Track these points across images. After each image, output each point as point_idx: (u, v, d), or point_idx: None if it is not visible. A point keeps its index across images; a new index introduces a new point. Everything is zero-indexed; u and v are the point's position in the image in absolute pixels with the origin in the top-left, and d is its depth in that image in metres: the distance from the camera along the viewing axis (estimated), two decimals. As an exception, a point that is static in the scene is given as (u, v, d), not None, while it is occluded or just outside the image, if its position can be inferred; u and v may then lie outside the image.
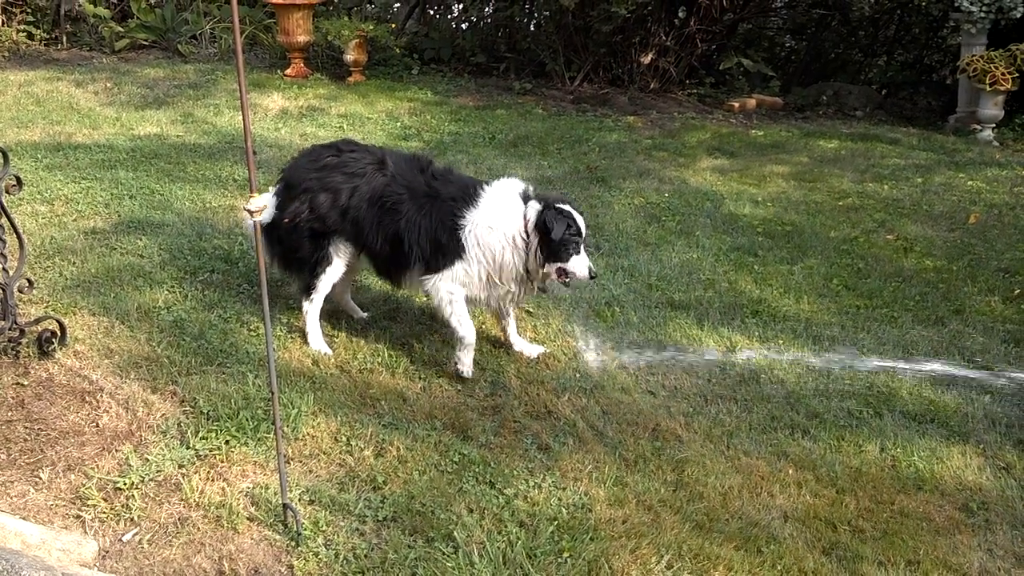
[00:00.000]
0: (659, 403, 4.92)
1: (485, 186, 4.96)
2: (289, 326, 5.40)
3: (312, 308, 5.22)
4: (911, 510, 4.17)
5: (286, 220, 5.06)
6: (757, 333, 5.79)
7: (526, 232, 4.82)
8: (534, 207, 4.83)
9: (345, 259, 5.18)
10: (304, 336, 5.25)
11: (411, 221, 4.90)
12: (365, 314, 5.67)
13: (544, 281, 5.02)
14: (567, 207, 4.83)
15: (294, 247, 5.17)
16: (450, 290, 4.92)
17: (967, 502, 4.27)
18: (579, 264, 4.83)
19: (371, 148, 5.29)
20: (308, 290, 5.21)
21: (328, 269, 5.15)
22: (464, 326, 4.94)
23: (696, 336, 5.70)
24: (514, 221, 4.84)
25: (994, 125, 11.74)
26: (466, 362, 4.97)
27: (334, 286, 5.28)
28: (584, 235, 4.88)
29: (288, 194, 5.11)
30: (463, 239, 4.83)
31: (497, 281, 4.91)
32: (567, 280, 4.91)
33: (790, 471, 4.38)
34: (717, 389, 5.11)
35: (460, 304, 4.94)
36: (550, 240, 4.73)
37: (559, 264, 4.82)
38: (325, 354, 5.13)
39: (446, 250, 4.86)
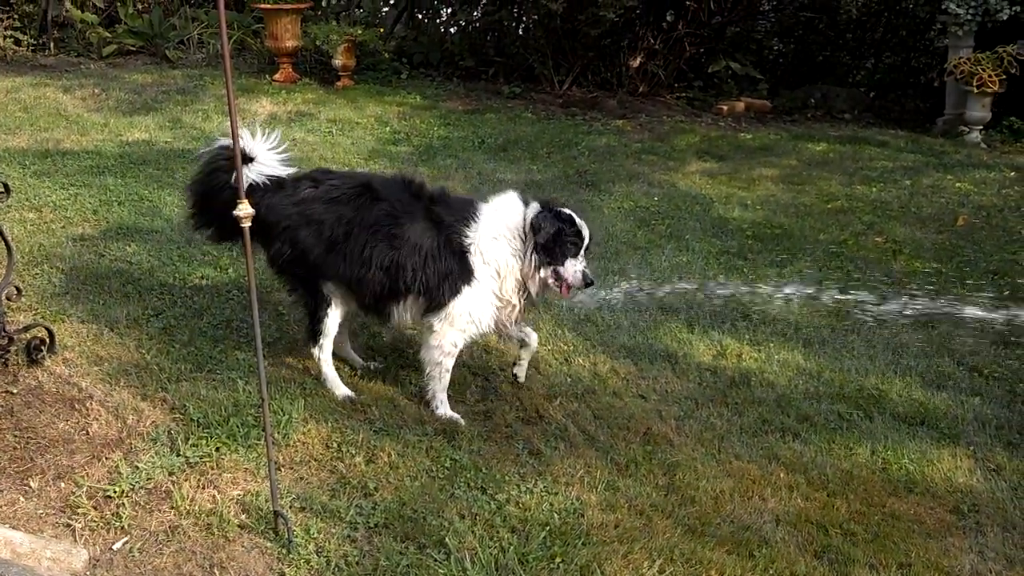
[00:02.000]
0: (650, 407, 4.92)
1: (484, 203, 4.78)
2: (279, 332, 5.39)
3: (323, 354, 4.88)
4: (902, 512, 4.18)
5: (272, 268, 4.89)
6: (747, 336, 5.80)
7: (523, 233, 4.67)
8: (534, 208, 4.71)
9: (342, 298, 4.82)
10: (319, 381, 4.90)
11: (413, 248, 4.59)
12: (372, 363, 5.25)
13: (540, 288, 4.75)
14: (567, 211, 4.72)
15: (289, 289, 4.97)
16: (454, 341, 4.69)
17: (958, 504, 4.28)
18: (572, 268, 4.64)
19: (351, 173, 5.13)
20: (314, 336, 4.87)
21: (329, 311, 4.80)
22: (444, 380, 4.76)
23: (686, 339, 5.71)
24: (515, 225, 4.69)
25: (982, 127, 11.76)
26: (442, 405, 4.79)
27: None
28: (586, 241, 4.70)
29: (266, 235, 4.74)
30: (470, 260, 4.63)
31: (500, 295, 4.72)
32: (560, 285, 4.67)
33: (781, 474, 4.38)
34: (708, 393, 5.11)
35: (453, 359, 4.76)
36: (549, 242, 4.60)
37: (554, 267, 4.64)
38: (351, 398, 4.80)
39: (454, 276, 4.61)
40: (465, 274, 4.62)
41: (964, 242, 7.78)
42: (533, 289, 4.73)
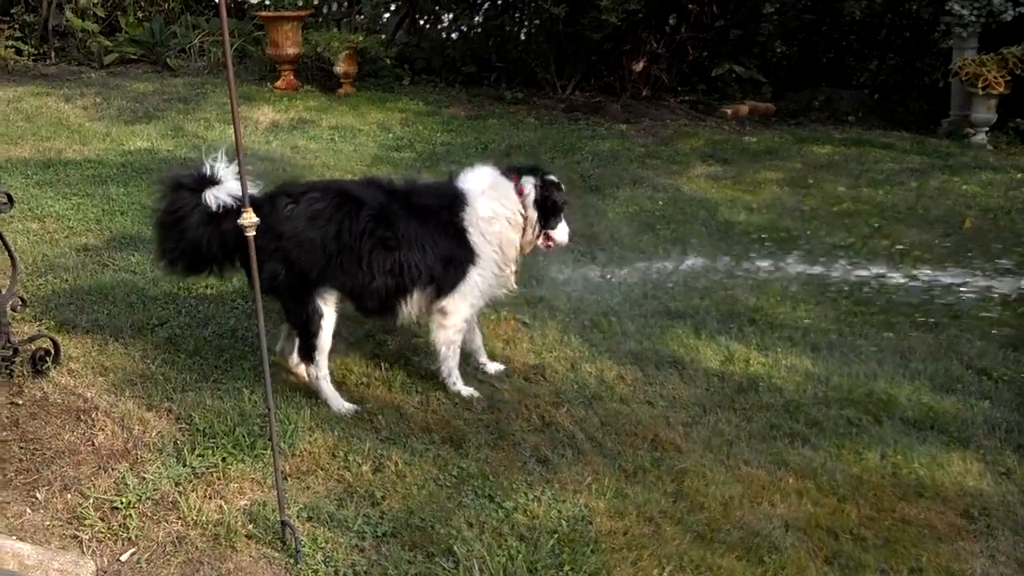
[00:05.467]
0: (658, 413, 4.90)
1: (462, 182, 4.90)
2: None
3: (320, 371, 4.79)
4: (912, 517, 4.15)
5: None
6: (755, 341, 5.78)
7: (524, 208, 4.90)
8: (529, 182, 4.91)
9: (335, 307, 4.78)
10: (320, 401, 4.81)
11: (412, 244, 4.67)
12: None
13: (530, 249, 5.09)
14: (551, 176, 5.02)
15: (283, 307, 4.91)
16: (465, 316, 4.88)
17: (968, 508, 4.24)
18: (563, 231, 5.03)
19: (322, 184, 5.12)
20: (309, 353, 4.79)
21: (323, 323, 4.72)
22: (457, 356, 4.96)
23: (693, 345, 5.68)
24: (509, 202, 4.88)
25: (987, 129, 11.74)
26: (457, 383, 4.97)
27: (288, 339, 5.06)
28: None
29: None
30: (471, 241, 4.78)
31: (502, 266, 4.93)
32: (548, 245, 5.05)
33: (791, 480, 4.35)
34: (716, 398, 5.08)
35: (463, 334, 4.97)
36: (548, 211, 4.90)
37: (547, 231, 4.98)
38: (355, 411, 4.74)
39: (458, 260, 4.77)
40: (469, 255, 4.80)
41: (971, 244, 7.75)
42: (526, 251, 5.09)
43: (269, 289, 4.69)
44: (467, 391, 4.94)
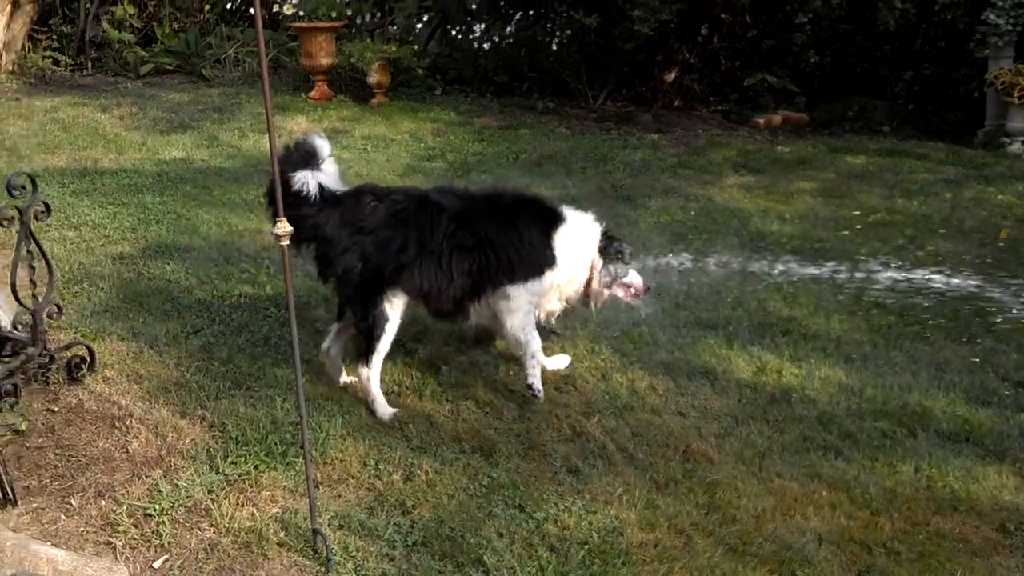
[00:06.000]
0: (689, 424, 4.88)
1: (562, 208, 5.14)
2: (317, 349, 5.38)
3: (373, 373, 4.83)
4: (947, 531, 4.10)
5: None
6: (788, 352, 5.74)
7: (598, 251, 5.12)
8: (598, 230, 5.17)
9: (400, 311, 4.83)
10: (358, 399, 4.92)
11: (497, 243, 4.82)
12: (351, 378, 5.13)
13: (602, 300, 5.26)
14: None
15: (349, 305, 4.94)
16: (530, 300, 4.97)
17: (1004, 522, 4.19)
18: (634, 275, 5.23)
19: (404, 188, 5.24)
20: (368, 355, 4.81)
21: (388, 327, 4.78)
22: (535, 336, 5.00)
23: (725, 355, 5.65)
24: (593, 243, 5.12)
25: (1023, 139, 11.62)
26: (537, 375, 5.00)
27: (336, 339, 5.10)
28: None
29: (328, 250, 4.77)
30: (555, 250, 4.95)
31: (561, 292, 5.09)
32: (632, 294, 5.26)
33: (824, 493, 4.32)
34: (748, 410, 5.05)
35: (532, 315, 5.03)
36: (611, 255, 5.12)
37: (620, 280, 5.17)
38: (396, 416, 4.79)
39: (539, 259, 4.91)
40: (550, 259, 4.95)
41: (1007, 255, 7.65)
42: (595, 301, 5.26)
43: (344, 285, 4.83)
44: (538, 385, 4.98)
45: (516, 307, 4.92)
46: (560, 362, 5.39)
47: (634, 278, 5.21)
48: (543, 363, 5.12)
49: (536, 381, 4.97)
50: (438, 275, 4.74)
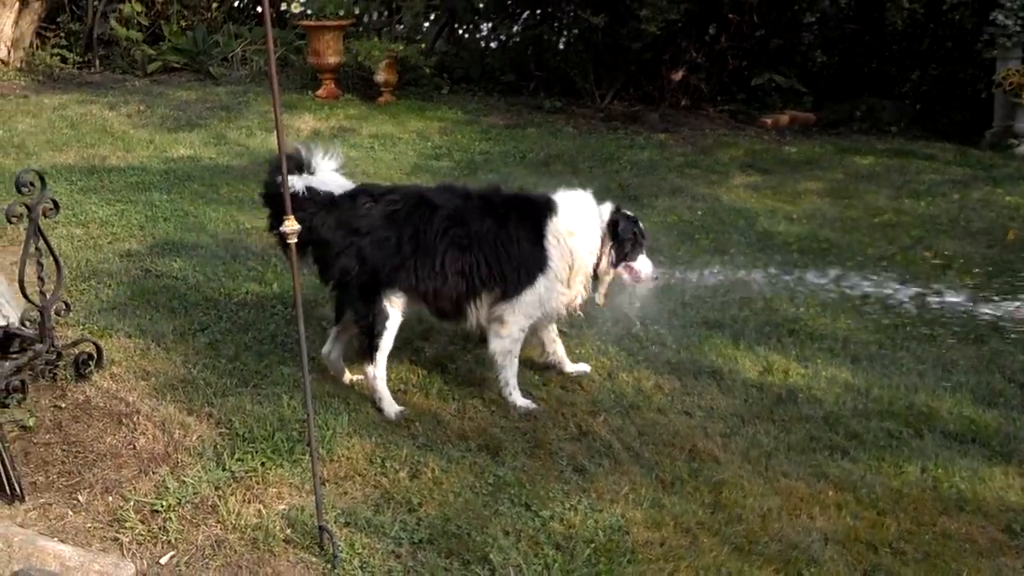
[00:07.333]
0: (695, 424, 4.88)
1: (557, 195, 5.02)
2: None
3: (379, 371, 4.85)
4: (953, 532, 4.10)
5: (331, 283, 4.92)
6: (794, 352, 5.73)
7: (601, 231, 4.98)
8: (607, 208, 5.03)
9: (400, 308, 4.84)
10: (365, 397, 4.94)
11: (488, 246, 4.77)
12: (355, 377, 5.15)
13: (610, 281, 5.13)
14: (631, 213, 5.13)
15: (344, 303, 4.96)
16: (522, 327, 4.90)
17: (1010, 523, 4.18)
18: (646, 263, 5.11)
19: (400, 187, 5.19)
20: (371, 353, 4.83)
21: (388, 324, 4.80)
22: (513, 365, 4.96)
23: (731, 355, 5.65)
24: (593, 223, 4.97)
25: (1031, 139, 11.60)
26: (516, 396, 4.96)
27: (335, 342, 5.11)
28: (648, 241, 5.18)
29: (325, 252, 4.79)
30: (547, 250, 4.85)
31: (569, 285, 4.95)
32: (635, 278, 5.12)
33: (830, 492, 4.31)
34: (754, 409, 5.05)
35: (519, 344, 4.97)
36: (621, 238, 4.96)
37: (628, 263, 5.05)
38: (404, 413, 4.80)
39: (529, 264, 4.83)
40: (540, 263, 4.84)
41: (1015, 257, 7.64)
42: (604, 282, 5.12)
43: (341, 285, 4.84)
44: (523, 403, 4.92)
45: (506, 334, 4.89)
46: (581, 369, 5.37)
47: (643, 264, 5.10)
48: (515, 400, 4.96)
49: (518, 401, 4.94)
50: (433, 275, 4.74)
